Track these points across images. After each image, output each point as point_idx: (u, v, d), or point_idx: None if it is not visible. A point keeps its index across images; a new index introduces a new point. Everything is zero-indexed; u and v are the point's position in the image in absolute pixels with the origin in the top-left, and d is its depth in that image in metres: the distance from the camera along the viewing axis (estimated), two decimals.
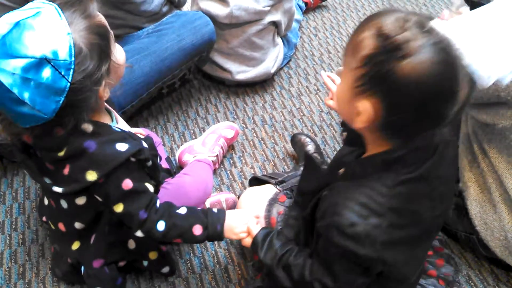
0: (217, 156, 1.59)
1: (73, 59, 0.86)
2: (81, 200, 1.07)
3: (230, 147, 1.72)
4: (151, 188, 1.07)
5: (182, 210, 1.12)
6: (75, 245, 1.17)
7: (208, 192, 1.40)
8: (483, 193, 1.27)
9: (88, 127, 0.96)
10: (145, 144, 1.03)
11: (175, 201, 1.30)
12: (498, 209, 1.23)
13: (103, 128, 0.99)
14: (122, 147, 0.98)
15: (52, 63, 0.84)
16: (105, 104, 1.12)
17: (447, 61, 0.74)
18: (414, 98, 0.75)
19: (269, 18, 1.80)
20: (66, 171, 0.98)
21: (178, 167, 1.62)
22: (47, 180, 1.03)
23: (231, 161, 1.69)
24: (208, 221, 1.11)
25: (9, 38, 0.83)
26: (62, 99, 0.87)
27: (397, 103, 0.77)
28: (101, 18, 0.97)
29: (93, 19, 0.93)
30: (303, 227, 1.05)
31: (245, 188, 1.55)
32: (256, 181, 1.39)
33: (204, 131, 1.72)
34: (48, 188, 1.03)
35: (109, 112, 1.11)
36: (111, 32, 0.99)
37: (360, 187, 0.86)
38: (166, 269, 1.31)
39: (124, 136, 1.00)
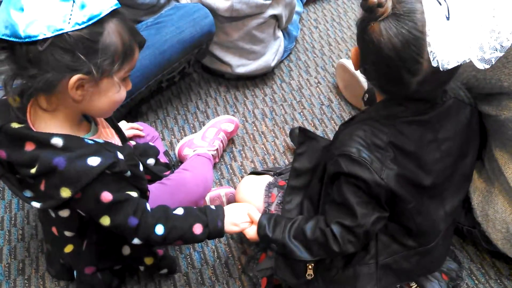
0: (217, 150, 1.57)
1: (88, 23, 0.85)
2: (64, 213, 1.05)
3: (230, 141, 1.71)
4: (134, 194, 1.03)
5: (179, 211, 1.09)
6: (68, 248, 1.14)
7: (208, 188, 1.38)
8: (485, 184, 1.26)
9: (58, 142, 0.92)
10: (120, 156, 0.98)
11: (176, 196, 1.29)
12: (499, 201, 1.22)
13: (74, 142, 0.94)
14: (93, 161, 0.93)
15: (73, 7, 0.84)
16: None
17: (410, 35, 0.85)
18: (376, 56, 0.90)
19: (270, 12, 1.78)
20: (42, 186, 0.95)
21: (177, 161, 1.61)
22: (28, 194, 0.99)
23: (231, 155, 1.68)
24: (208, 218, 1.09)
25: None
26: (47, 36, 0.84)
27: (365, 54, 0.94)
28: (134, 46, 0.96)
29: (132, 40, 0.94)
30: (312, 208, 1.11)
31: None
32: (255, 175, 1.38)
33: (203, 125, 1.71)
34: (27, 203, 1.00)
35: (88, 120, 1.07)
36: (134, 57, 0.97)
37: (363, 124, 0.99)
38: (164, 271, 1.30)
39: (97, 149, 0.95)
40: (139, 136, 1.45)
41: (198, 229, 1.08)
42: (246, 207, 1.14)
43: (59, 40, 0.84)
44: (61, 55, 0.86)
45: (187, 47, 1.65)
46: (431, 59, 0.84)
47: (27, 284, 1.35)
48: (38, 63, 0.86)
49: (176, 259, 1.37)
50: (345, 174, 0.96)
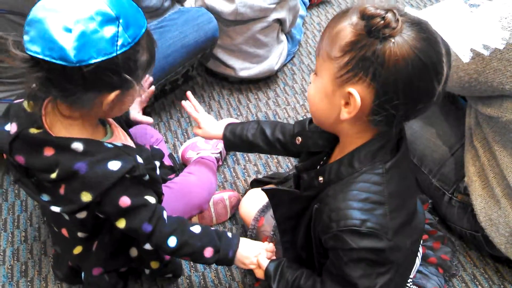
0: (220, 152, 1.58)
1: (133, 43, 0.85)
2: (81, 214, 1.04)
3: None
4: (152, 200, 1.03)
5: (196, 229, 1.09)
6: (77, 250, 1.15)
7: (212, 191, 1.38)
8: (487, 189, 1.26)
9: (79, 146, 0.92)
10: (140, 159, 0.99)
11: (180, 200, 1.29)
12: (502, 204, 1.22)
13: (94, 147, 0.94)
14: (114, 165, 0.93)
15: (119, 29, 0.83)
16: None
17: (430, 37, 0.76)
18: (403, 76, 0.75)
19: (274, 16, 1.79)
20: (62, 191, 0.95)
21: (181, 164, 1.61)
22: (45, 198, 0.99)
23: (234, 158, 1.68)
24: (221, 245, 1.09)
25: None
26: (98, 60, 0.82)
27: (387, 84, 0.76)
28: (154, 54, 0.96)
29: (154, 44, 0.95)
30: (301, 250, 1.03)
31: (248, 186, 1.54)
32: (257, 182, 1.38)
33: None
34: (46, 207, 1.00)
35: (104, 124, 1.07)
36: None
37: (353, 184, 0.86)
38: (169, 275, 1.30)
39: (117, 153, 0.95)
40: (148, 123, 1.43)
41: (208, 252, 1.08)
42: (259, 248, 1.13)
43: (108, 63, 0.84)
44: (109, 77, 0.86)
45: (190, 52, 1.65)
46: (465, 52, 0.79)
47: (29, 286, 1.35)
48: (81, 84, 0.86)
49: (181, 264, 1.36)
50: (351, 250, 0.84)
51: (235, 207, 1.47)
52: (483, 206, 1.26)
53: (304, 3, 2.23)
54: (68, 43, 0.80)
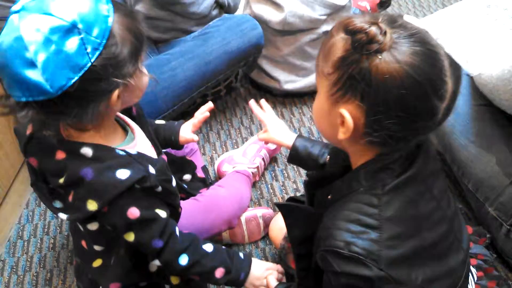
0: (257, 167, 1.49)
1: (104, 41, 0.78)
2: (93, 226, 0.99)
3: (273, 159, 1.62)
4: (163, 214, 0.97)
5: (209, 248, 1.04)
6: (97, 263, 1.09)
7: (243, 207, 1.30)
8: None
9: (88, 152, 0.88)
10: (152, 170, 0.93)
11: (208, 214, 1.22)
12: None
13: (104, 153, 0.89)
14: (123, 174, 0.88)
15: (82, 35, 0.76)
16: (125, 118, 1.04)
17: (427, 51, 0.68)
18: (393, 96, 0.68)
19: (324, 28, 1.70)
20: (70, 198, 0.91)
21: (217, 178, 1.53)
22: (57, 205, 0.95)
23: (273, 174, 1.59)
24: (233, 266, 1.06)
25: None
26: (76, 78, 0.77)
27: (377, 104, 0.69)
28: (142, 28, 0.89)
29: (136, 22, 0.87)
30: (315, 277, 0.94)
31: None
32: (293, 201, 1.28)
33: (247, 141, 1.63)
34: (55, 214, 0.96)
35: (124, 128, 1.02)
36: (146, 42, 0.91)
37: (347, 203, 0.79)
38: None
39: (128, 161, 0.90)
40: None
41: (219, 273, 1.04)
42: (270, 269, 1.11)
43: (88, 74, 0.78)
44: (97, 86, 0.81)
45: (233, 59, 1.58)
46: (470, 70, 0.71)
47: None
48: (75, 105, 0.81)
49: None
50: (336, 273, 0.77)
51: (269, 225, 1.38)
52: None
53: None
54: (39, 77, 0.75)
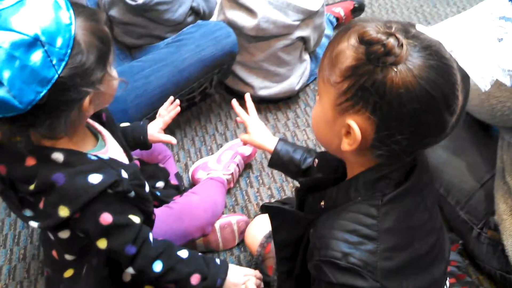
0: (232, 174, 1.48)
1: (69, 51, 0.78)
2: (64, 234, 0.97)
3: (248, 165, 1.61)
4: (136, 220, 0.96)
5: (184, 254, 1.03)
6: (68, 273, 1.07)
7: (217, 214, 1.29)
8: None
9: (59, 157, 0.87)
10: (124, 174, 0.92)
11: (181, 221, 1.20)
12: None
13: (75, 158, 0.89)
14: (95, 179, 0.87)
15: (45, 48, 0.75)
16: (95, 124, 1.03)
17: (442, 65, 0.67)
18: (407, 111, 0.66)
19: (298, 33, 1.70)
20: (41, 205, 0.89)
21: (191, 185, 1.52)
22: (27, 213, 0.93)
23: (248, 181, 1.58)
24: (209, 272, 1.05)
25: (7, 11, 0.75)
26: (44, 91, 0.77)
27: (388, 118, 0.68)
28: (107, 29, 0.89)
29: (99, 24, 0.86)
30: (297, 282, 0.94)
31: (260, 211, 1.44)
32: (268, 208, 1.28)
33: (222, 147, 1.63)
34: (25, 222, 0.95)
35: (95, 134, 1.01)
36: (113, 44, 0.91)
37: (344, 212, 0.77)
38: None
39: (100, 166, 0.89)
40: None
41: (195, 279, 1.03)
42: (248, 275, 1.10)
43: (56, 87, 0.78)
44: (67, 95, 0.81)
45: (207, 67, 1.58)
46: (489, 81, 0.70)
47: None
48: (47, 117, 0.82)
49: None
50: (336, 285, 0.75)
51: (244, 232, 1.37)
52: None
53: (331, 23, 2.15)
54: (7, 94, 0.75)
